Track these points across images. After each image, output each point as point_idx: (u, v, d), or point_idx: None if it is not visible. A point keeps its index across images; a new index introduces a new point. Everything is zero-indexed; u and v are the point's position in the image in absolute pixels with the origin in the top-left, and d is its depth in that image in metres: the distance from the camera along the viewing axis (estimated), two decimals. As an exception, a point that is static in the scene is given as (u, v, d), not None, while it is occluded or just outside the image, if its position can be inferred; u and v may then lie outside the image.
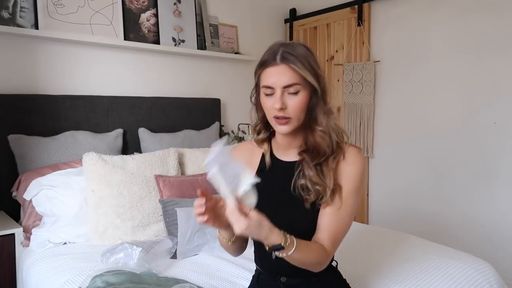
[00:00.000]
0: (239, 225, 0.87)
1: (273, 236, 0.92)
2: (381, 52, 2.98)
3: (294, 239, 0.95)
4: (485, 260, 1.70)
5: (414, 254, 1.71)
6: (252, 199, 0.91)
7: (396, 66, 2.90)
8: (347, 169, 1.06)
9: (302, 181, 1.06)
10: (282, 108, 1.00)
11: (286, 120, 1.02)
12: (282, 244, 0.92)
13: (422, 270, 1.55)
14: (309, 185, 1.04)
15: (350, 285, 1.25)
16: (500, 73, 2.40)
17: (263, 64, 1.03)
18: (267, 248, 0.93)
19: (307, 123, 1.06)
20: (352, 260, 1.62)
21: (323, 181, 1.04)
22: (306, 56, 1.01)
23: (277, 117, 1.02)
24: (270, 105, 1.02)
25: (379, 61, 2.98)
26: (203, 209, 0.91)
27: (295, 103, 1.01)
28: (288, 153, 1.13)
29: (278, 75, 1.00)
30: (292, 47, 1.01)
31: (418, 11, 2.77)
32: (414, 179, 2.85)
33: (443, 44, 2.65)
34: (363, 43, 3.03)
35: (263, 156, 1.17)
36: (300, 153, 1.09)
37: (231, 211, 0.87)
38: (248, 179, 0.89)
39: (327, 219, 1.05)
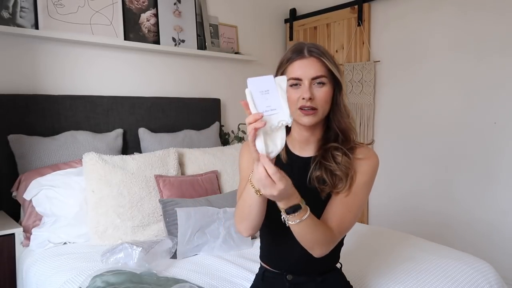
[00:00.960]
0: (270, 191, 0.87)
1: (293, 197, 0.92)
2: (381, 52, 2.98)
3: (308, 208, 0.96)
4: (485, 260, 1.70)
5: (414, 254, 1.71)
6: (279, 142, 0.86)
7: (396, 66, 2.90)
8: (362, 162, 1.08)
9: (318, 173, 1.07)
10: (311, 98, 1.03)
11: (313, 111, 1.05)
12: (300, 203, 0.93)
13: (422, 270, 1.55)
14: (325, 176, 1.06)
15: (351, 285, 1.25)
16: (500, 72, 2.40)
17: (290, 59, 1.07)
18: (282, 211, 0.93)
19: (331, 115, 1.10)
20: (352, 260, 1.62)
21: (350, 166, 1.06)
22: (329, 53, 1.08)
23: (302, 108, 1.05)
24: (297, 97, 1.05)
25: (379, 61, 2.98)
26: (260, 115, 0.86)
27: (322, 94, 1.05)
28: (305, 149, 1.14)
29: (306, 67, 1.05)
30: (315, 45, 1.08)
31: (418, 11, 2.77)
32: (414, 179, 2.85)
33: (443, 44, 2.65)
34: (363, 43, 3.03)
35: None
36: (327, 144, 1.10)
37: (261, 177, 0.86)
38: (283, 116, 0.85)
39: (336, 205, 1.06)
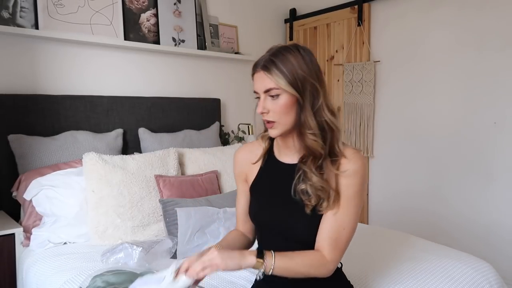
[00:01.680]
0: (210, 267, 0.91)
1: (247, 258, 0.95)
2: (381, 52, 2.98)
3: (273, 253, 0.97)
4: (485, 260, 1.70)
5: (414, 254, 1.71)
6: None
7: (396, 66, 2.90)
8: (348, 172, 1.05)
9: (303, 186, 1.05)
10: (263, 112, 1.05)
11: (271, 124, 1.06)
12: (256, 263, 0.95)
13: (422, 270, 1.55)
14: (310, 190, 1.04)
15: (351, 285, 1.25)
16: (500, 73, 2.40)
17: (252, 73, 1.08)
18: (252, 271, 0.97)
19: (297, 127, 1.06)
20: (352, 260, 1.62)
21: (326, 185, 1.03)
22: (293, 61, 1.01)
23: (264, 121, 1.07)
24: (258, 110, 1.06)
25: (379, 61, 2.98)
26: None
27: (276, 107, 1.03)
28: (288, 154, 1.14)
29: (258, 80, 1.05)
30: (281, 53, 1.03)
31: (418, 11, 2.77)
32: (414, 179, 2.85)
33: (443, 43, 2.65)
34: (363, 43, 3.03)
35: (264, 157, 1.18)
36: (300, 159, 1.09)
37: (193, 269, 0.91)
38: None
39: (326, 223, 1.05)
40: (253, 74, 1.07)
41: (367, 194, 3.12)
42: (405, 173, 2.90)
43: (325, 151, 1.04)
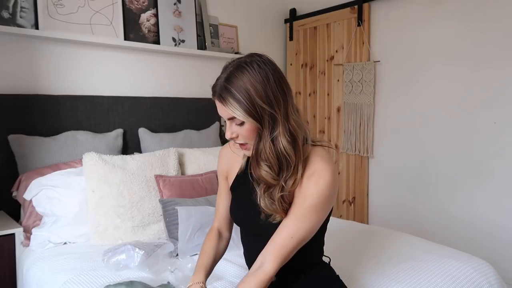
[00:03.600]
0: None
1: None
2: (381, 52, 2.98)
3: None
4: (485, 260, 1.70)
5: (413, 254, 1.71)
6: None
7: (396, 66, 2.90)
8: (309, 183, 1.01)
9: (257, 200, 1.06)
10: (233, 137, 1.03)
11: (244, 146, 1.05)
12: None
13: (422, 269, 1.55)
14: (262, 206, 1.05)
15: (350, 285, 1.25)
16: (500, 73, 2.40)
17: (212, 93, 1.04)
18: None
19: (255, 154, 1.03)
20: (351, 259, 1.62)
21: (274, 208, 1.03)
22: (248, 85, 0.96)
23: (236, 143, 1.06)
24: None
25: (379, 61, 2.98)
26: None
27: (243, 132, 1.01)
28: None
29: (219, 109, 1.02)
30: (235, 75, 0.97)
31: (418, 11, 2.77)
32: (414, 179, 2.85)
33: (443, 44, 2.65)
34: (363, 43, 3.03)
35: (245, 161, 1.19)
36: (253, 184, 1.07)
37: None
38: None
39: (279, 228, 1.03)
40: (213, 98, 1.03)
41: (367, 194, 3.12)
42: (405, 173, 2.90)
43: (278, 182, 1.01)
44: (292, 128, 0.99)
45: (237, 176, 1.21)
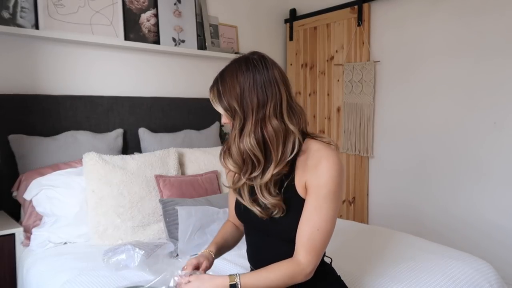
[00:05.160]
0: None
1: (217, 280, 1.01)
2: (381, 52, 2.98)
3: (238, 277, 1.00)
4: (484, 260, 1.70)
5: (413, 253, 1.71)
6: None
7: (396, 66, 2.91)
8: (318, 171, 1.01)
9: (254, 195, 1.08)
10: (226, 122, 1.11)
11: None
12: (229, 281, 0.99)
13: (422, 269, 1.55)
14: (261, 203, 1.08)
15: (350, 285, 1.25)
16: (500, 73, 2.40)
17: None
18: None
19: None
20: (352, 260, 1.62)
21: (274, 204, 1.05)
22: (232, 82, 1.03)
23: None
24: None
25: (379, 61, 2.98)
26: None
27: (223, 119, 1.11)
28: None
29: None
30: (227, 70, 1.06)
31: (418, 12, 2.77)
32: (414, 179, 2.85)
33: (443, 44, 2.65)
34: (363, 43, 3.03)
35: None
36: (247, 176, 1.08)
37: None
38: None
39: (301, 224, 1.04)
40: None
41: (367, 194, 3.12)
42: (405, 173, 2.90)
43: (255, 161, 1.03)
44: (266, 131, 1.01)
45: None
